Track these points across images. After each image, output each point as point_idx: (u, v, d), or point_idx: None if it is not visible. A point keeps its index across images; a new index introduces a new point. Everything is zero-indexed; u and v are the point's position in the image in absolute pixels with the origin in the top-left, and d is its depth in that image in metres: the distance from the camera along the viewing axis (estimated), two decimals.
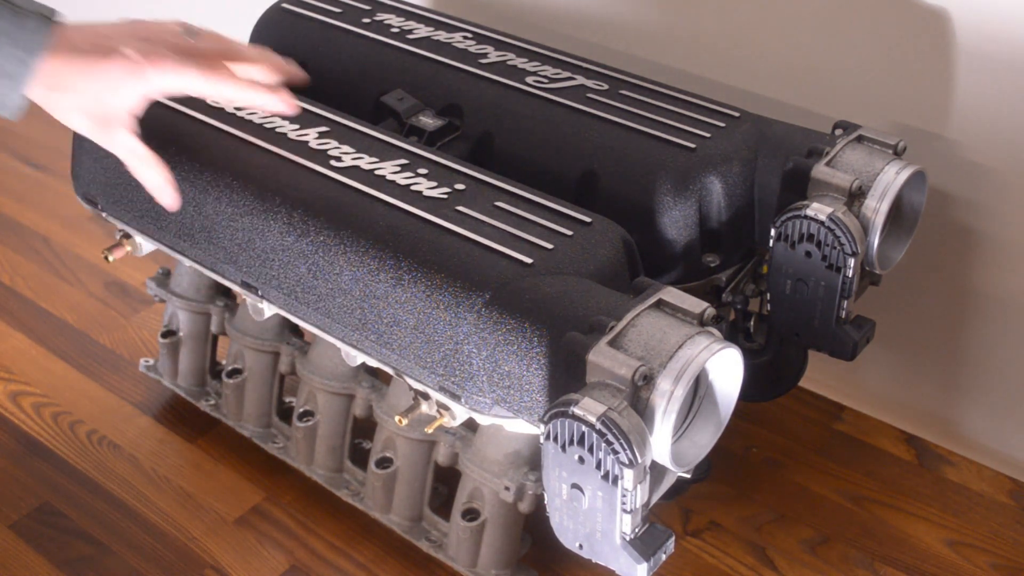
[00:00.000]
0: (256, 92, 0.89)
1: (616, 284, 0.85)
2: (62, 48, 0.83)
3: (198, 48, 0.88)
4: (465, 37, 1.15)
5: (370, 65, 1.12)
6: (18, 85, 0.83)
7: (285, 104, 0.91)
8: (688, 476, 0.79)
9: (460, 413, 0.88)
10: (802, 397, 1.25)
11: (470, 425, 0.97)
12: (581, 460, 0.74)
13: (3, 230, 1.52)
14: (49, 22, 0.83)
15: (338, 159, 0.95)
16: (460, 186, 0.92)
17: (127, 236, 1.06)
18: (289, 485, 1.13)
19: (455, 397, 0.86)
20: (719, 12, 1.19)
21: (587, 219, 0.89)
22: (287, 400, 1.16)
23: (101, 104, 0.86)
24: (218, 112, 1.00)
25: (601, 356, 0.74)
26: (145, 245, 1.06)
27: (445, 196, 0.91)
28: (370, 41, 1.14)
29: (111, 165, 1.01)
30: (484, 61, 1.10)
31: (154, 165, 0.91)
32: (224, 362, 1.16)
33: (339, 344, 0.94)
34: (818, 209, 0.91)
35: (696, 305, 0.78)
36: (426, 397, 0.89)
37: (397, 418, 0.91)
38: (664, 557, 0.78)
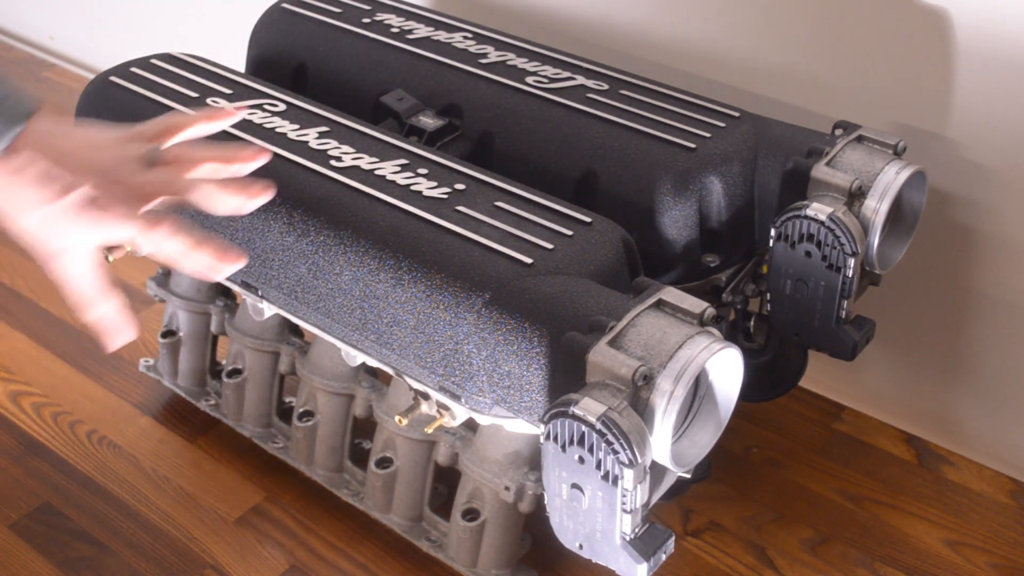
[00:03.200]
0: (198, 248, 0.78)
1: (616, 284, 0.85)
2: (20, 152, 0.77)
3: (155, 181, 0.80)
4: (465, 37, 1.15)
5: (370, 65, 1.12)
6: None
7: (252, 198, 0.81)
8: (688, 476, 0.79)
9: (460, 413, 0.88)
10: (802, 397, 1.25)
11: (470, 425, 0.97)
12: (581, 460, 0.74)
13: (3, 230, 1.52)
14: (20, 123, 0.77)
15: (338, 159, 0.95)
16: (460, 186, 0.92)
17: None
18: (289, 485, 1.13)
19: (455, 397, 0.86)
20: (719, 12, 1.19)
21: (587, 219, 0.89)
22: (287, 400, 1.16)
23: (50, 238, 0.79)
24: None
25: (601, 356, 0.74)
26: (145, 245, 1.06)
27: (445, 196, 0.91)
28: (370, 41, 1.14)
29: None
30: (484, 61, 1.10)
31: (105, 298, 0.80)
32: (224, 362, 1.16)
33: (339, 344, 0.94)
34: (818, 209, 0.91)
35: (696, 305, 0.78)
36: (426, 397, 0.89)
37: (397, 418, 0.91)
38: (664, 557, 0.78)
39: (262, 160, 0.83)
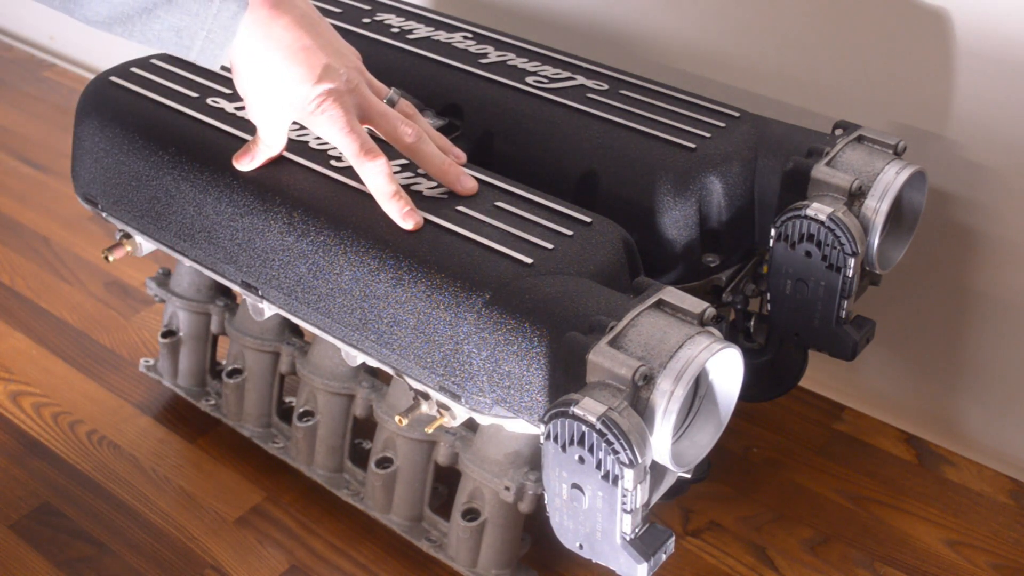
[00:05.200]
0: (394, 198, 0.86)
1: (616, 284, 0.85)
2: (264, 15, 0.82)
3: (389, 115, 0.87)
4: (465, 37, 1.15)
5: (370, 65, 1.12)
6: (235, 15, 0.81)
7: (462, 187, 0.90)
8: (688, 476, 0.79)
9: (460, 413, 0.88)
10: (802, 397, 1.25)
11: (470, 425, 0.97)
12: (581, 460, 0.74)
13: (3, 230, 1.52)
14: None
15: (338, 159, 0.95)
16: None
17: (127, 236, 1.06)
18: (289, 485, 1.13)
19: (455, 397, 0.86)
20: (719, 12, 1.19)
21: (587, 219, 0.89)
22: (287, 400, 1.16)
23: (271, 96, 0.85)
24: (218, 112, 1.00)
25: (601, 356, 0.74)
26: (145, 245, 1.06)
27: (445, 196, 0.91)
28: (370, 41, 1.14)
29: (111, 165, 1.01)
30: (484, 61, 1.10)
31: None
32: (224, 362, 1.16)
33: (339, 344, 0.94)
34: (818, 209, 0.91)
35: (696, 305, 0.78)
36: (426, 397, 0.89)
37: (397, 418, 0.91)
38: (664, 557, 0.78)
39: (463, 159, 0.92)
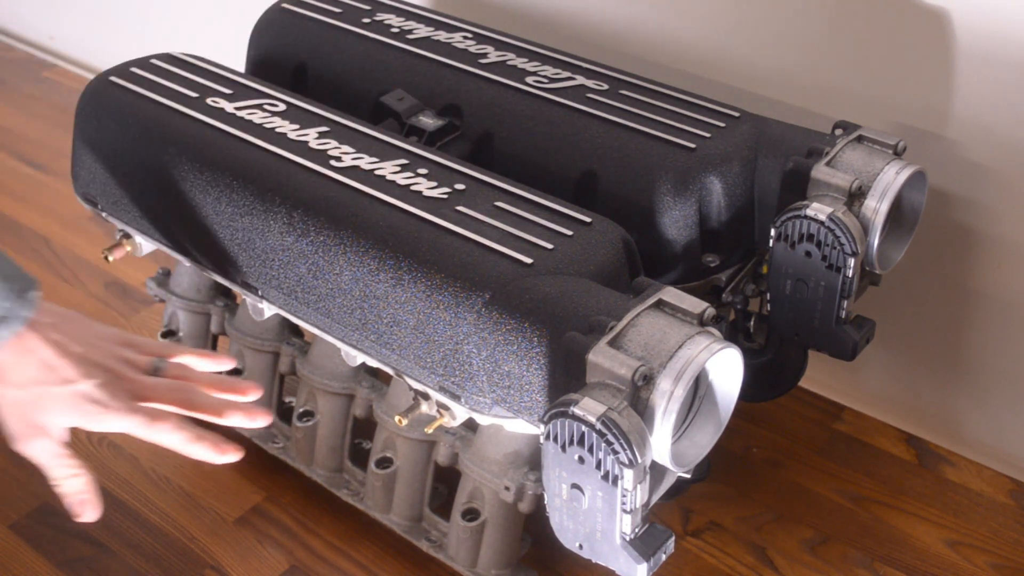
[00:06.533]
0: (196, 442, 0.84)
1: (616, 284, 0.85)
2: (26, 343, 0.80)
3: (158, 387, 0.85)
4: (465, 37, 1.15)
5: (370, 65, 1.12)
6: None
7: (251, 419, 0.87)
8: (688, 476, 0.79)
9: (460, 413, 0.88)
10: (802, 397, 1.25)
11: (470, 425, 0.97)
12: (581, 460, 0.74)
13: (3, 230, 1.52)
14: (24, 316, 0.80)
15: (338, 159, 0.95)
16: (460, 186, 0.92)
17: (127, 236, 1.06)
18: (289, 485, 1.13)
19: (455, 397, 0.86)
20: (720, 12, 1.19)
21: (587, 219, 0.89)
22: (287, 400, 1.16)
23: (37, 414, 0.82)
24: (218, 112, 1.00)
25: (601, 356, 0.74)
26: (145, 245, 1.06)
27: (445, 196, 0.91)
28: (370, 41, 1.14)
29: (111, 165, 1.01)
30: (484, 61, 1.10)
31: (77, 474, 0.85)
32: None
33: (339, 344, 0.94)
34: (818, 209, 0.91)
35: (696, 305, 0.78)
36: (426, 397, 0.89)
37: (397, 418, 0.91)
38: (664, 557, 0.78)
39: (255, 395, 0.88)
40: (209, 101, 1.02)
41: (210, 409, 0.86)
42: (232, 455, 0.85)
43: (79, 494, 0.85)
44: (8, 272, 0.80)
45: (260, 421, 0.87)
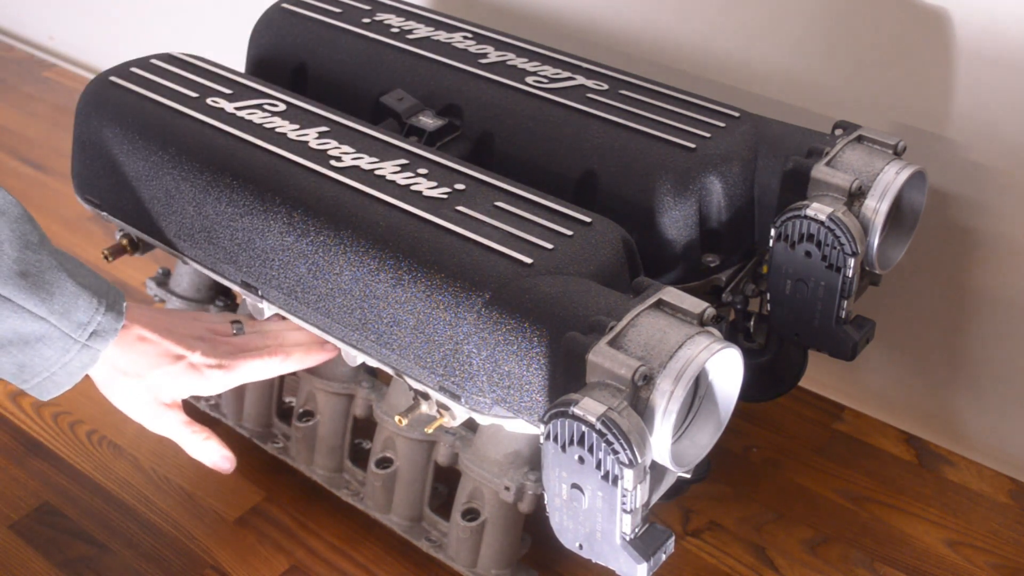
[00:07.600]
0: (305, 355, 0.97)
1: (616, 284, 0.85)
2: (129, 338, 0.90)
3: (251, 340, 0.96)
4: (465, 37, 1.15)
5: (370, 65, 1.12)
6: (84, 367, 0.88)
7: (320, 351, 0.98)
8: (688, 476, 0.79)
9: (460, 413, 0.88)
10: (802, 397, 1.25)
11: (470, 425, 0.97)
12: (581, 460, 0.74)
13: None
14: (120, 315, 0.89)
15: (338, 159, 0.95)
16: (460, 186, 0.92)
17: (127, 236, 1.06)
18: (289, 485, 1.13)
19: (455, 397, 0.86)
20: (719, 12, 1.19)
21: (587, 219, 0.89)
22: (287, 400, 1.16)
23: (159, 391, 0.92)
24: (218, 112, 1.00)
25: (601, 356, 0.74)
26: (145, 245, 1.06)
27: (445, 196, 0.91)
28: (370, 41, 1.14)
29: (111, 165, 1.01)
30: (484, 61, 1.10)
31: (208, 436, 0.96)
32: None
33: (339, 344, 0.94)
34: (818, 209, 0.91)
35: (696, 305, 0.78)
36: (426, 397, 0.89)
37: (397, 418, 0.91)
38: (664, 557, 0.78)
39: (330, 355, 0.98)
40: (209, 101, 1.02)
41: (303, 347, 0.97)
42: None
43: (215, 452, 0.97)
44: (99, 289, 0.88)
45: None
